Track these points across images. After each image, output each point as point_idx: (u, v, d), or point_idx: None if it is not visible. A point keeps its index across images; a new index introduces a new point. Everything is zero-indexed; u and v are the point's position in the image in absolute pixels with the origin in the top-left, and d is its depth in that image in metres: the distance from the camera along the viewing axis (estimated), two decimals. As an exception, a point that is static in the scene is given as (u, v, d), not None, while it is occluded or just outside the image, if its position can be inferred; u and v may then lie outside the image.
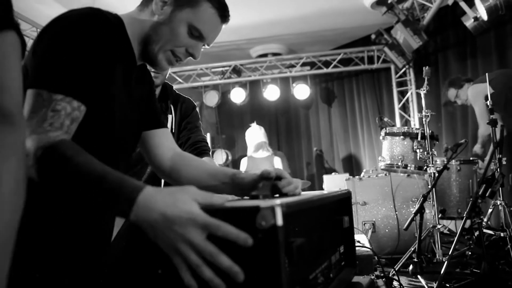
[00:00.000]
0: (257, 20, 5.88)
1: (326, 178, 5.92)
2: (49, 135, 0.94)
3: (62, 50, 1.01)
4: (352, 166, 7.02)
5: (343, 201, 1.29)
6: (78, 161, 0.90)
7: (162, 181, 2.06)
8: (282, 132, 7.96)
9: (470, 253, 3.03)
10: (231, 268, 0.76)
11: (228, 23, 1.28)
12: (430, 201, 3.34)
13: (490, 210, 3.44)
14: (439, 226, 3.18)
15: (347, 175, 5.40)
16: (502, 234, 3.06)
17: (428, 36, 5.45)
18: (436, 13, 5.27)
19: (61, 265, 1.10)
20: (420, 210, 3.04)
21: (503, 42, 5.04)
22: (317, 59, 6.86)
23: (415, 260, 2.95)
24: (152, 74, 1.95)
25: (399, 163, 3.52)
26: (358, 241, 2.14)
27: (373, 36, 5.98)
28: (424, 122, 3.39)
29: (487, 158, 3.45)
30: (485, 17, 4.26)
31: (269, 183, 1.16)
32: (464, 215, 2.96)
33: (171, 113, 2.08)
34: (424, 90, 3.45)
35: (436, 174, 3.24)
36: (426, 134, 3.37)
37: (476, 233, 3.06)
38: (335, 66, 6.79)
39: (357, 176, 4.27)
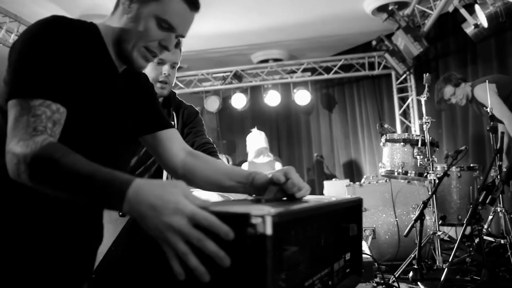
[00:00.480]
0: (258, 26, 5.90)
1: (326, 184, 5.91)
2: (36, 139, 0.96)
3: (30, 57, 1.04)
4: (352, 172, 7.01)
5: (352, 209, 1.27)
6: (66, 162, 0.92)
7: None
8: (282, 138, 7.96)
9: (470, 260, 3.02)
10: (217, 253, 0.78)
11: (198, 11, 1.25)
12: (430, 207, 3.34)
13: (490, 217, 3.44)
14: (439, 233, 3.17)
15: (347, 181, 5.39)
16: (502, 241, 3.05)
17: (428, 42, 5.47)
18: (436, 20, 5.28)
19: (41, 268, 1.11)
20: (420, 217, 3.04)
21: (504, 49, 5.05)
22: (318, 65, 6.88)
23: (415, 267, 2.95)
24: (159, 85, 1.98)
25: (400, 170, 3.53)
26: (358, 248, 2.14)
27: (374, 43, 6.00)
28: (424, 129, 3.40)
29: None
30: (485, 24, 4.27)
31: (276, 188, 1.16)
32: (465, 222, 2.96)
33: (173, 120, 2.09)
34: (424, 97, 3.46)
35: (437, 181, 3.24)
36: (426, 140, 3.38)
37: (477, 240, 3.05)
38: (336, 72, 6.81)
39: (358, 182, 4.27)
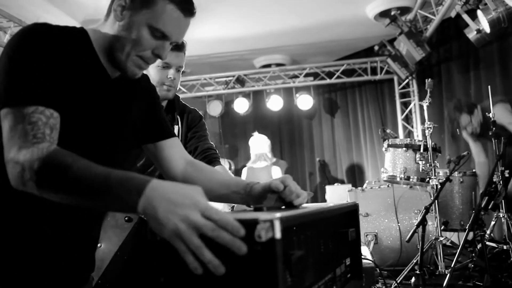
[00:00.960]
0: (261, 31, 5.93)
1: (328, 188, 5.91)
2: (39, 146, 0.96)
3: (18, 64, 1.02)
4: (355, 176, 7.01)
5: (349, 214, 1.29)
6: (80, 166, 0.92)
7: None
8: (285, 143, 7.97)
9: (472, 265, 3.02)
10: (233, 242, 0.78)
11: (194, 16, 1.20)
12: (432, 213, 3.34)
13: (493, 223, 3.43)
14: (441, 238, 3.17)
15: (349, 186, 5.39)
16: (505, 247, 3.05)
17: (431, 48, 5.48)
18: (439, 25, 5.30)
19: (39, 269, 1.11)
20: (423, 222, 3.03)
21: (506, 54, 5.06)
22: (320, 69, 6.89)
23: (418, 272, 2.94)
24: (165, 87, 1.98)
25: (402, 175, 3.53)
26: (360, 253, 2.14)
27: (376, 48, 6.02)
28: (426, 134, 3.40)
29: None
30: (487, 29, 4.28)
31: (274, 196, 1.16)
32: (467, 227, 2.95)
33: (178, 124, 2.09)
34: (426, 102, 3.46)
35: (439, 186, 3.24)
36: (428, 146, 3.38)
37: (479, 246, 3.05)
38: (338, 77, 6.82)
39: (360, 188, 4.26)
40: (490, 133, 3.27)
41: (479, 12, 4.30)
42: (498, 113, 3.60)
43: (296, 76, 7.07)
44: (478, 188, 3.80)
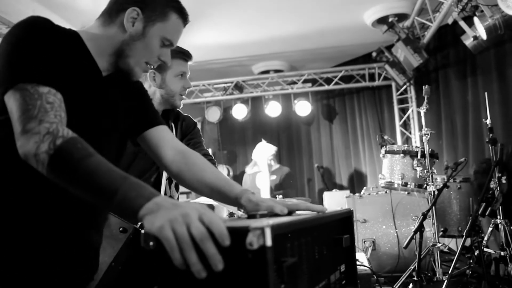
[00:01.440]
0: (260, 37, 5.95)
1: (326, 194, 5.92)
2: (63, 127, 0.99)
3: (27, 48, 1.05)
4: (353, 182, 7.01)
5: (344, 220, 1.29)
6: (102, 159, 0.96)
7: (162, 191, 2.08)
8: (283, 149, 7.97)
9: (470, 272, 3.02)
10: (214, 256, 0.78)
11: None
12: (430, 219, 3.34)
13: (490, 229, 3.44)
14: (439, 245, 3.17)
15: (347, 192, 5.39)
16: (502, 253, 3.05)
17: (428, 54, 5.50)
18: (436, 31, 5.32)
19: (42, 268, 1.11)
20: (420, 228, 3.04)
21: (503, 61, 5.08)
22: (319, 76, 6.91)
23: (415, 278, 2.94)
24: (182, 96, 2.02)
25: (399, 181, 3.54)
26: (357, 260, 2.14)
27: (374, 54, 6.03)
28: (423, 140, 3.41)
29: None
30: (484, 36, 4.30)
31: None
32: (464, 234, 2.96)
33: (173, 132, 2.10)
34: (424, 108, 3.48)
35: (436, 192, 3.24)
36: (426, 152, 3.39)
37: (476, 252, 3.05)
38: (336, 83, 6.84)
39: (358, 194, 4.27)
40: (487, 140, 3.28)
41: (475, 19, 4.32)
42: None
43: (294, 82, 7.09)
44: (475, 194, 3.81)
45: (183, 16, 1.29)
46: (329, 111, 7.49)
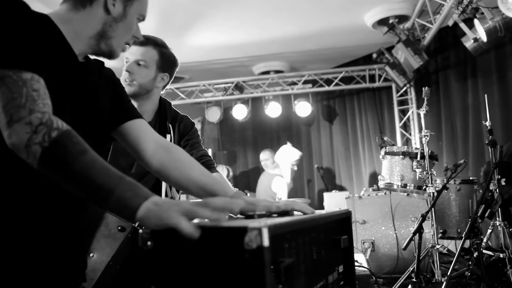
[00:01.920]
0: (260, 38, 5.95)
1: (326, 195, 5.92)
2: (55, 118, 0.95)
3: (5, 31, 0.98)
4: (353, 183, 7.01)
5: (342, 221, 1.29)
6: (97, 156, 0.94)
7: (162, 192, 2.07)
8: (283, 149, 7.97)
9: (469, 273, 3.02)
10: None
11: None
12: (429, 220, 3.34)
13: (489, 231, 3.44)
14: (438, 246, 3.17)
15: (347, 193, 5.40)
16: (501, 255, 3.05)
17: (428, 56, 5.51)
18: (436, 33, 5.33)
19: (32, 270, 1.09)
20: (419, 230, 3.04)
21: (503, 63, 5.09)
22: (319, 77, 6.92)
23: (414, 280, 2.94)
24: (127, 82, 1.96)
25: (399, 183, 3.54)
26: (356, 261, 2.15)
27: (374, 55, 6.04)
28: (423, 142, 3.41)
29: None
30: (484, 38, 4.30)
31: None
32: (463, 235, 2.96)
33: (170, 133, 2.08)
34: (423, 110, 3.48)
35: (436, 194, 3.24)
36: (425, 154, 3.39)
37: (475, 254, 3.05)
38: (336, 84, 6.84)
39: (357, 195, 4.27)
40: (487, 142, 3.28)
41: (476, 21, 4.33)
42: None
43: (294, 83, 7.09)
44: (475, 195, 3.81)
45: None
46: (329, 112, 7.49)
